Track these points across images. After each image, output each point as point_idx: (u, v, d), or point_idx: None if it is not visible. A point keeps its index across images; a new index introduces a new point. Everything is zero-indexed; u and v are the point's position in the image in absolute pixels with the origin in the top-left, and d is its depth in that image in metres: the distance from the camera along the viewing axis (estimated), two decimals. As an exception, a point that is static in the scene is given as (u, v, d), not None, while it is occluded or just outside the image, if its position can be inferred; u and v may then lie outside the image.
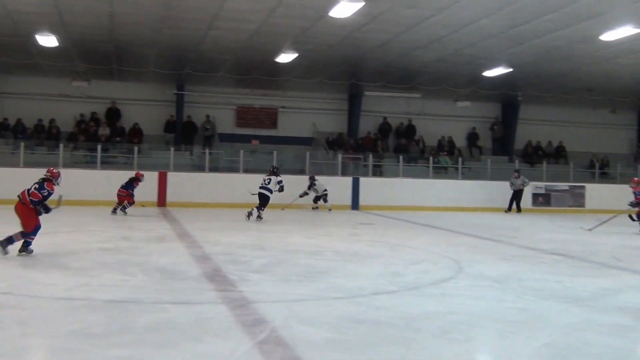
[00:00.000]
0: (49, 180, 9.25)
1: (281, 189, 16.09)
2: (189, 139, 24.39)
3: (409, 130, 26.68)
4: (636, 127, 29.74)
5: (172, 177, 20.58)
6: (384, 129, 26.54)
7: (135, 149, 21.22)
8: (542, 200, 23.71)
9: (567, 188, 23.98)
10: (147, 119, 24.38)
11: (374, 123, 26.59)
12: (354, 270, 8.79)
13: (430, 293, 7.47)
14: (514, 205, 22.45)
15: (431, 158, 24.03)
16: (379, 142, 25.78)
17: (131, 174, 17.45)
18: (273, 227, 14.87)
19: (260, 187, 15.96)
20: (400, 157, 23.54)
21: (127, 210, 16.69)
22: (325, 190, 20.23)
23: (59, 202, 9.57)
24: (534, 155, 27.14)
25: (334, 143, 25.21)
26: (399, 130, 26.70)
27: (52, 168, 9.66)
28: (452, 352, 5.09)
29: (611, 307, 6.92)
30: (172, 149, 21.84)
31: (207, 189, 20.41)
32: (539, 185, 23.76)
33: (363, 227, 15.68)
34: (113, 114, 24.14)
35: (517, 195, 22.54)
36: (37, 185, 9.16)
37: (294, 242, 11.91)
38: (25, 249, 9.10)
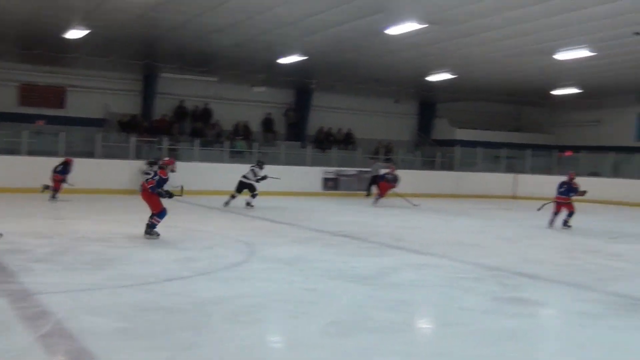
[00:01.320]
0: (162, 168, 10.45)
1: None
2: (-38, 118, 22.27)
3: (205, 114, 26.51)
4: (417, 116, 32.12)
5: (-57, 159, 18.72)
6: (180, 112, 26.13)
7: None
8: (332, 184, 24.83)
9: (355, 173, 25.30)
10: None
11: (170, 106, 26.03)
12: (146, 257, 8.65)
13: (223, 277, 7.58)
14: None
15: (227, 142, 24.11)
16: (175, 125, 25.36)
17: None
18: (61, 214, 14.11)
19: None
20: (197, 141, 23.38)
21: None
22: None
23: (181, 192, 10.71)
24: (325, 141, 28.27)
25: (127, 125, 24.36)
26: (195, 114, 26.43)
27: (166, 158, 11.37)
28: (242, 334, 5.22)
29: (390, 284, 7.51)
30: (-58, 128, 19.85)
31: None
32: (329, 170, 24.87)
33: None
34: None
35: (373, 181, 23.21)
36: (152, 174, 10.53)
37: (82, 229, 11.38)
38: (150, 230, 10.27)
